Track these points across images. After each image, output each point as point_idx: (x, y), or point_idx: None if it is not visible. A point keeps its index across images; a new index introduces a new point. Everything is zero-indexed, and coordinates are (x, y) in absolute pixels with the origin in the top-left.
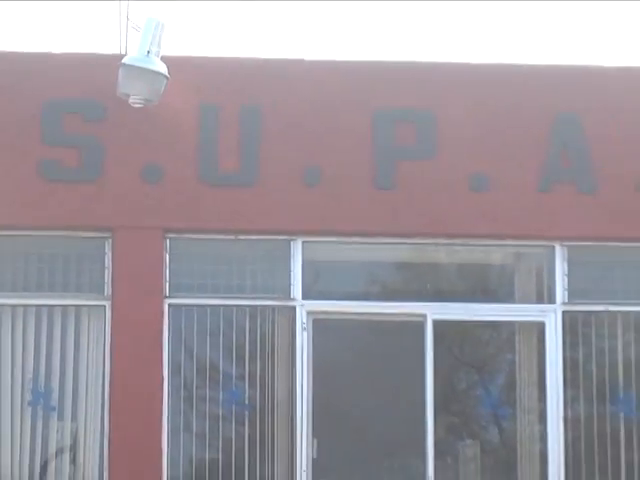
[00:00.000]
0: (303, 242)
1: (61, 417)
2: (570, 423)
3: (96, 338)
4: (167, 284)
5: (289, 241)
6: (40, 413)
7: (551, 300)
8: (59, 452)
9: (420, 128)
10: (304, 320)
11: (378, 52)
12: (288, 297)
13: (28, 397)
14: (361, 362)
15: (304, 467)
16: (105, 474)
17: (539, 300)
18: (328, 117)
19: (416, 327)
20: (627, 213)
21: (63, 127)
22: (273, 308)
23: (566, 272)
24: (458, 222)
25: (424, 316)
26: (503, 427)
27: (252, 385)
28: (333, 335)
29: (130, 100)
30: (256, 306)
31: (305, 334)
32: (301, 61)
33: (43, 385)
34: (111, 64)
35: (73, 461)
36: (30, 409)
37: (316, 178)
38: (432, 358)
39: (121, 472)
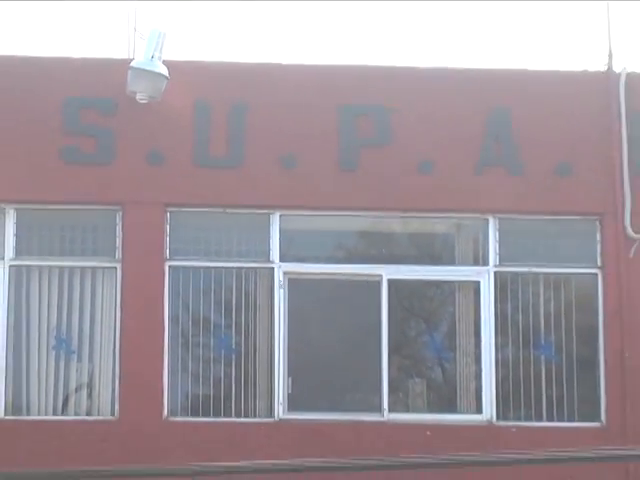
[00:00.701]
0: (280, 215)
1: (80, 359)
2: (500, 364)
3: (109, 293)
4: (167, 249)
5: (268, 214)
6: (62, 356)
7: (485, 263)
8: (78, 388)
9: (377, 121)
10: (281, 279)
11: (348, 55)
12: (268, 260)
13: (52, 343)
14: (328, 314)
15: (281, 401)
16: (116, 406)
17: (475, 263)
18: (302, 112)
19: (374, 285)
20: (548, 192)
21: (80, 120)
22: (255, 269)
23: (497, 240)
24: (409, 199)
25: (380, 276)
26: (445, 368)
27: (238, 333)
28: (305, 291)
29: (137, 97)
30: (241, 268)
31: (282, 291)
32: (280, 65)
33: (65, 333)
34: (121, 67)
35: (89, 395)
36: (54, 353)
37: (292, 162)
38: (387, 311)
39: (129, 405)
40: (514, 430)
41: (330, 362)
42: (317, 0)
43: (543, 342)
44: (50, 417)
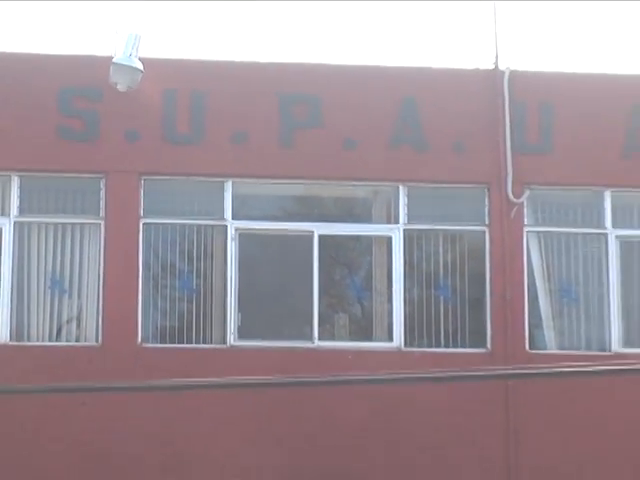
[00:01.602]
0: (232, 182)
1: (70, 297)
2: (407, 302)
3: (94, 244)
4: (142, 209)
5: (223, 182)
6: (56, 294)
7: (396, 222)
8: (69, 320)
9: (310, 107)
10: (233, 234)
11: (297, 51)
12: (222, 218)
13: (48, 283)
14: (271, 262)
15: (232, 331)
16: (99, 334)
17: (388, 222)
18: (250, 100)
19: (307, 239)
20: (446, 165)
21: (72, 105)
22: (212, 226)
23: (406, 203)
24: (335, 170)
25: (312, 232)
26: (364, 305)
27: (198, 277)
28: (252, 244)
29: (117, 87)
30: (201, 224)
31: (233, 243)
32: (233, 62)
33: (58, 275)
34: (104, 62)
35: (78, 326)
36: (50, 291)
37: (242, 139)
38: (317, 259)
39: (110, 333)
40: (418, 355)
41: (271, 300)
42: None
43: (442, 285)
44: (46, 343)
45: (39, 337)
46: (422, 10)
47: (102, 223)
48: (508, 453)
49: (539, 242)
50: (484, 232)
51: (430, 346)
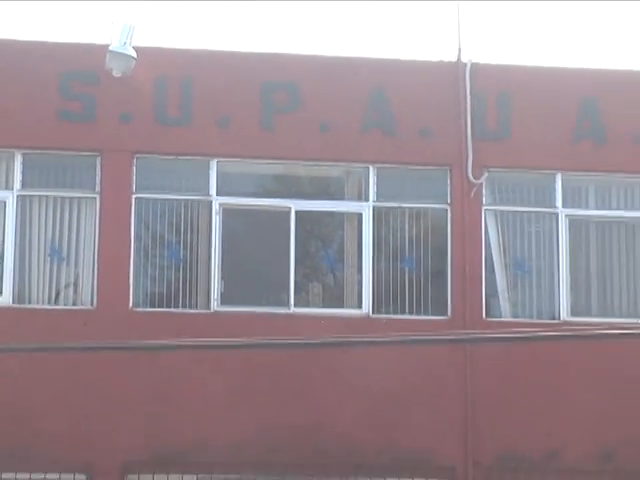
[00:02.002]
0: (217, 161)
1: (68, 264)
2: (376, 273)
3: (90, 216)
4: (134, 185)
5: (208, 160)
6: (55, 261)
7: (366, 199)
8: (67, 285)
9: (289, 94)
10: (217, 209)
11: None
12: (207, 194)
13: (48, 251)
14: (252, 235)
15: (216, 297)
16: (95, 299)
17: (359, 199)
18: (234, 86)
19: (285, 214)
20: (413, 148)
21: (72, 89)
22: (198, 201)
23: (375, 182)
24: (312, 151)
25: (290, 208)
26: (336, 275)
27: (184, 247)
28: (235, 218)
29: (113, 72)
30: (188, 199)
31: (217, 217)
32: (218, 52)
33: (57, 244)
34: (101, 50)
35: (75, 291)
36: (49, 259)
37: (226, 123)
38: (294, 233)
39: (104, 298)
40: (384, 321)
41: (252, 270)
42: None
43: (407, 258)
44: (45, 306)
45: (39, 301)
46: (392, 7)
47: (97, 197)
48: (466, 413)
49: (496, 220)
50: (446, 210)
51: (396, 313)
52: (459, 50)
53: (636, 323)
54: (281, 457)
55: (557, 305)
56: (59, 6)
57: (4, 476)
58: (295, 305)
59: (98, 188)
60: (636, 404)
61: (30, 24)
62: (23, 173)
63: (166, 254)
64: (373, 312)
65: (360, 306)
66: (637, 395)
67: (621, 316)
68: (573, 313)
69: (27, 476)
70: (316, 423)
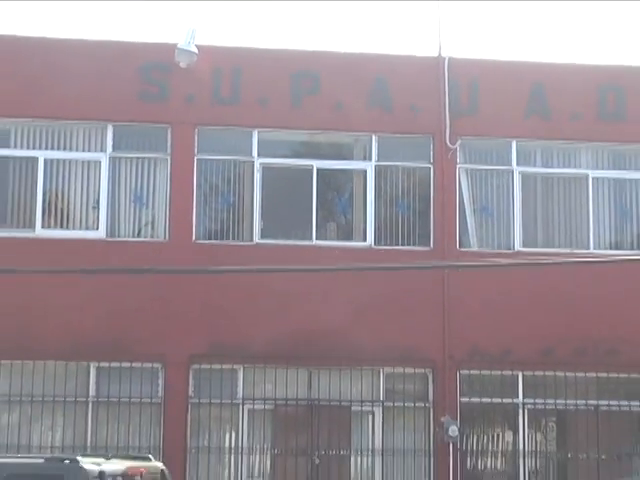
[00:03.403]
0: (258, 131)
1: (147, 208)
2: (376, 215)
3: (164, 172)
4: (196, 149)
5: (251, 131)
6: (138, 206)
7: (370, 160)
8: (146, 223)
9: (312, 80)
10: (258, 167)
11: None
12: (251, 156)
13: (133, 198)
14: (284, 187)
15: (257, 232)
16: (167, 233)
17: (365, 159)
18: (270, 75)
19: (309, 171)
20: (404, 120)
21: (151, 76)
22: (244, 161)
23: (377, 147)
24: (328, 124)
25: (312, 166)
26: (347, 217)
27: (234, 195)
28: (272, 174)
29: (180, 64)
30: (236, 159)
31: (258, 173)
32: (257, 49)
33: (139, 193)
34: (172, 48)
35: (152, 228)
36: (133, 204)
37: (265, 102)
38: (315, 186)
39: (173, 233)
40: (383, 251)
41: (284, 212)
42: None
43: (400, 203)
44: (130, 239)
45: (126, 235)
46: (387, 8)
47: (168, 158)
48: (444, 319)
49: (467, 175)
50: (429, 168)
51: (391, 245)
52: (439, 47)
53: (571, 252)
54: (306, 352)
55: (512, 239)
56: (139, 14)
57: (101, 364)
58: (316, 239)
59: (169, 151)
60: (569, 313)
61: (119, 26)
62: (113, 140)
63: (220, 200)
64: (375, 244)
65: (365, 240)
66: (569, 307)
67: (560, 247)
68: (524, 245)
69: (118, 365)
70: (327, 328)
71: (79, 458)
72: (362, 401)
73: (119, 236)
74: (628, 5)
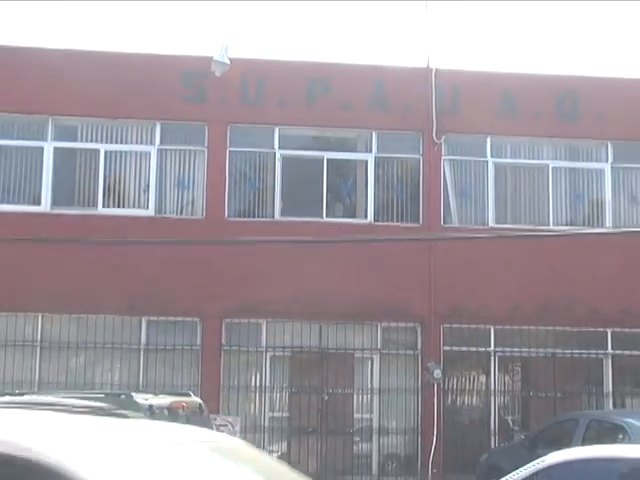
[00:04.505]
0: (279, 127)
1: (187, 189)
2: (376, 197)
3: (202, 161)
4: (228, 142)
5: (273, 127)
6: (180, 190)
7: (370, 151)
8: (187, 203)
9: (323, 85)
10: (279, 157)
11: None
12: (272, 148)
13: (176, 182)
14: (300, 172)
15: (277, 211)
16: (204, 212)
17: (366, 151)
18: (288, 81)
19: (319, 160)
20: (399, 119)
21: (191, 82)
22: (267, 152)
23: (377, 141)
24: (336, 121)
25: (323, 156)
26: (351, 198)
27: (258, 180)
28: (290, 163)
29: (215, 73)
30: (261, 151)
31: (279, 162)
32: (277, 61)
33: (181, 176)
34: (209, 59)
35: (192, 207)
36: (176, 188)
37: (285, 103)
38: (326, 172)
39: (210, 211)
40: (381, 227)
41: (299, 194)
42: None
43: (396, 187)
44: (174, 216)
45: (171, 213)
46: (381, 14)
47: (206, 150)
48: (430, 280)
49: (450, 165)
50: (419, 159)
51: (388, 221)
52: (428, 60)
53: (534, 228)
54: (317, 309)
55: (486, 217)
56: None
57: (151, 318)
58: (326, 216)
59: (206, 144)
60: (533, 277)
61: (163, 40)
62: (161, 135)
63: (247, 185)
64: (374, 221)
65: (366, 217)
66: (533, 272)
67: (525, 223)
68: (496, 221)
69: (164, 319)
70: (334, 290)
71: (133, 394)
72: (363, 349)
73: (165, 214)
74: (580, 24)
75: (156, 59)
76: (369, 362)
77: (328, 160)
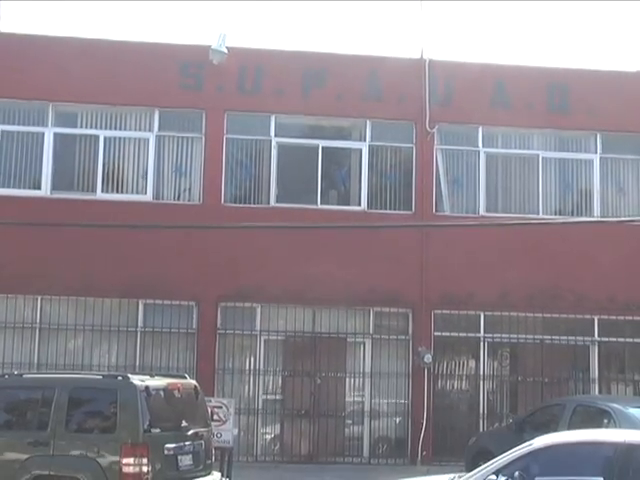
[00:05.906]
0: (275, 116)
1: (185, 176)
2: (370, 185)
3: (199, 148)
4: (225, 129)
5: (269, 115)
6: (178, 176)
7: (364, 140)
8: (184, 189)
9: (319, 75)
10: (275, 144)
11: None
12: (269, 135)
13: (174, 169)
14: (296, 158)
15: (273, 197)
16: (201, 197)
17: (360, 140)
18: (285, 71)
19: (315, 149)
20: (395, 109)
21: (189, 71)
22: (263, 140)
23: (370, 130)
24: (331, 110)
25: (318, 144)
26: (345, 185)
27: (254, 167)
28: (286, 150)
29: (213, 61)
30: (257, 139)
31: (275, 150)
32: (275, 50)
33: (179, 163)
34: (205, 49)
35: (189, 193)
36: (174, 174)
37: (281, 93)
38: (321, 160)
39: (206, 196)
40: (374, 214)
41: (295, 181)
42: None
43: (389, 175)
44: (171, 201)
45: (168, 198)
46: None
47: (203, 137)
48: (422, 268)
49: (442, 154)
50: (412, 148)
51: (381, 209)
52: (422, 51)
53: (524, 217)
54: (311, 294)
55: (477, 205)
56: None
57: (147, 301)
58: (321, 203)
59: (203, 131)
60: (522, 265)
61: (161, 29)
62: (159, 122)
63: (243, 171)
64: (368, 208)
65: (360, 205)
66: (522, 260)
67: (515, 212)
68: (487, 210)
69: (161, 302)
70: (328, 275)
71: (129, 375)
72: (355, 334)
73: (162, 199)
74: (572, 17)
75: (155, 48)
76: (361, 347)
77: (323, 148)
